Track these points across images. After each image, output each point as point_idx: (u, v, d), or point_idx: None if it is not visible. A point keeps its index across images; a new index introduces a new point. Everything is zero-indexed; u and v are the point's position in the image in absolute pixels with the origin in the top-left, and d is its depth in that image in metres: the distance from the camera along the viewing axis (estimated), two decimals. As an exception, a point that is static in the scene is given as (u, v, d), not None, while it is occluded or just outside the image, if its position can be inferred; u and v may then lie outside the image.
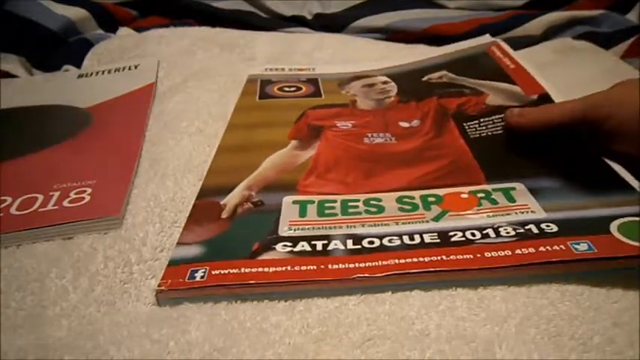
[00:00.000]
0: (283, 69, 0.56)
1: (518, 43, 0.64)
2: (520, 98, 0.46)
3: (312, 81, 0.53)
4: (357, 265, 0.29)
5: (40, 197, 0.37)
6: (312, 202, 0.35)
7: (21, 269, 0.32)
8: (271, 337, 0.27)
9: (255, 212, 0.34)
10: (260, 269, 0.29)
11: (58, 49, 0.61)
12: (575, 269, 0.29)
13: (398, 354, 0.26)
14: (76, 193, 0.37)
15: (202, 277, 0.29)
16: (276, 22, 0.71)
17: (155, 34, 0.63)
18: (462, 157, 0.40)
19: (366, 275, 0.29)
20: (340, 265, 0.29)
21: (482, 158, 0.39)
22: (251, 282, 0.28)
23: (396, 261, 0.29)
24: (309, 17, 0.72)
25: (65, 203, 0.36)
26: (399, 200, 0.35)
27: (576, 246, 0.29)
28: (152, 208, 0.36)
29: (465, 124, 0.43)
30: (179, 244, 0.32)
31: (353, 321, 0.27)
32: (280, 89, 0.52)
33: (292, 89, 0.52)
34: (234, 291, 0.29)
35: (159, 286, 0.29)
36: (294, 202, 0.35)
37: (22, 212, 0.36)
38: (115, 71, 0.56)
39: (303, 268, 0.29)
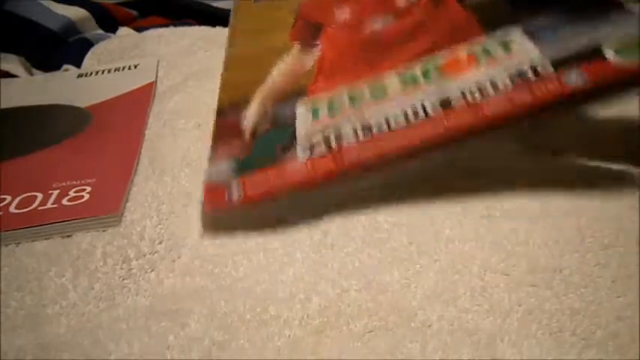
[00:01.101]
0: None
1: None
2: None
3: None
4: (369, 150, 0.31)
5: (40, 196, 0.37)
6: (322, 102, 0.35)
7: (20, 268, 0.32)
8: (271, 329, 0.26)
9: (273, 129, 0.35)
10: (288, 175, 0.32)
11: (58, 49, 0.61)
12: (569, 106, 0.29)
13: (399, 346, 0.25)
14: (75, 192, 0.37)
15: (239, 194, 0.31)
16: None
17: (155, 34, 0.63)
18: (460, 19, 0.39)
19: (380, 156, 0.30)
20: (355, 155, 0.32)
21: (481, 13, 0.38)
22: (286, 185, 0.31)
23: (403, 139, 0.31)
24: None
25: (64, 202, 0.36)
26: (401, 77, 0.35)
27: (569, 79, 0.29)
28: (150, 203, 0.36)
29: None
30: (211, 163, 0.34)
31: (354, 311, 0.27)
32: None
33: None
34: (272, 197, 0.31)
35: (204, 209, 0.30)
36: (307, 110, 0.35)
37: (21, 210, 0.35)
38: (114, 71, 0.55)
39: (323, 167, 0.32)
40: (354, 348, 0.25)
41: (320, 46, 0.41)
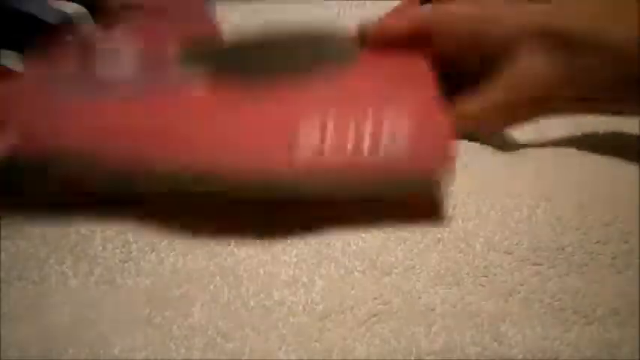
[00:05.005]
0: None
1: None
2: None
3: None
4: None
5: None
6: None
7: (18, 255, 0.31)
8: (274, 315, 0.26)
9: None
10: None
11: (55, 43, 0.60)
12: None
13: (403, 330, 0.26)
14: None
15: None
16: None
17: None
18: None
19: None
20: None
21: None
22: None
23: None
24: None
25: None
26: None
27: None
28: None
29: None
30: None
31: (357, 294, 0.27)
32: None
33: None
34: None
35: None
36: None
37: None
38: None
39: None
40: (359, 333, 0.26)
41: None
